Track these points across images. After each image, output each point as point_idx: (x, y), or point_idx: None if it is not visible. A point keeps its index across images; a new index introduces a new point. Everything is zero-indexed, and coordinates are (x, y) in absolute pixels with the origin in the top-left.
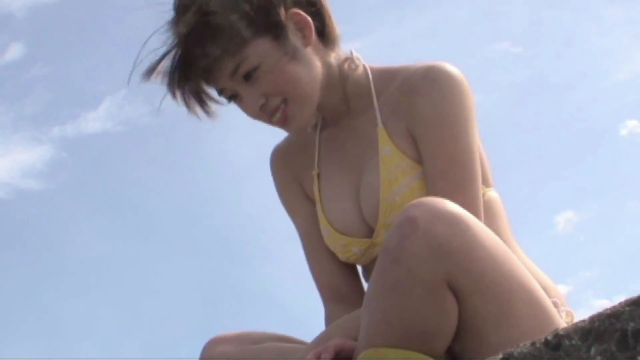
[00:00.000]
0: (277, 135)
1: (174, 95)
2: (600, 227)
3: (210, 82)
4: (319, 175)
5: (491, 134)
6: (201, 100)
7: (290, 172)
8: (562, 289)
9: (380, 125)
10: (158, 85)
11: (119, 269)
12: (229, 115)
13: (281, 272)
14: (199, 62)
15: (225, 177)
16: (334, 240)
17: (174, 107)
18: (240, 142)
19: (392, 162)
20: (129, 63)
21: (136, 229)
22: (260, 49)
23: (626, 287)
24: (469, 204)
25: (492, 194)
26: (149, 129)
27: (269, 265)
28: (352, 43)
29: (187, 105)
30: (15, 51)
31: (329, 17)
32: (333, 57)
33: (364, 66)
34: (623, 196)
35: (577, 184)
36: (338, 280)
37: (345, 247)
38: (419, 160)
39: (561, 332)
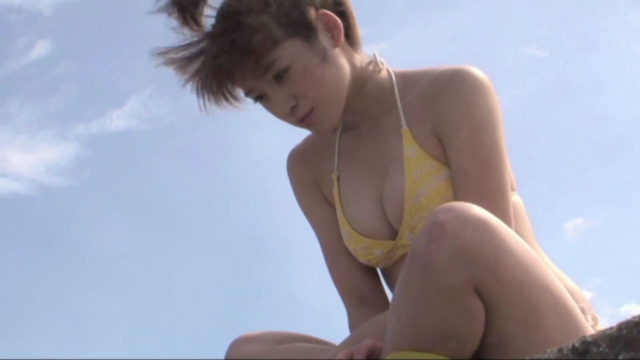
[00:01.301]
0: (303, 131)
1: (201, 95)
2: (610, 234)
3: (239, 82)
4: (339, 178)
5: (508, 138)
6: (225, 99)
7: (309, 174)
8: (587, 294)
9: (404, 127)
10: (185, 85)
11: (142, 266)
12: (254, 112)
13: (305, 271)
14: (229, 62)
15: (249, 174)
16: (355, 243)
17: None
18: (265, 138)
19: (417, 164)
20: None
21: (159, 226)
22: (291, 50)
23: (637, 294)
24: (500, 210)
25: (516, 198)
26: (173, 128)
27: (293, 264)
28: (378, 45)
29: (213, 102)
30: (42, 48)
31: (353, 18)
32: (358, 60)
33: (387, 70)
34: (633, 203)
35: (588, 192)
36: (360, 283)
37: (367, 249)
38: (445, 161)
39: (589, 339)
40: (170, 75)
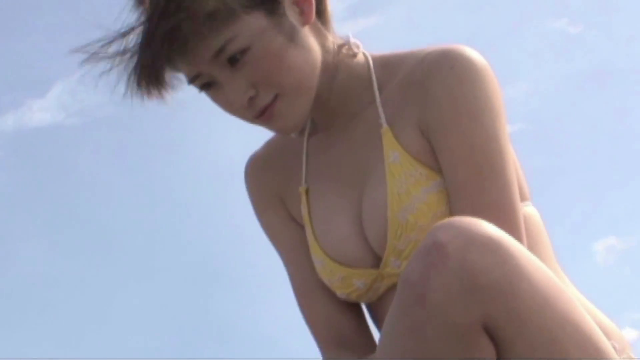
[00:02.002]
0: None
1: (134, 79)
2: None
3: (182, 65)
4: (307, 192)
5: (528, 135)
6: (160, 86)
7: (271, 187)
8: (629, 333)
9: (384, 126)
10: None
11: (70, 295)
12: (213, 107)
13: (274, 301)
14: (173, 39)
15: (206, 182)
16: (330, 273)
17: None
18: (226, 137)
19: (401, 172)
20: (88, 38)
21: (91, 246)
22: (251, 27)
23: None
24: (507, 224)
25: (530, 209)
26: (111, 122)
27: (259, 293)
28: (368, 19)
29: (145, 91)
30: None
31: None
32: (330, 41)
33: (364, 54)
34: None
35: (623, 203)
36: (338, 321)
37: (345, 280)
38: (435, 167)
39: None
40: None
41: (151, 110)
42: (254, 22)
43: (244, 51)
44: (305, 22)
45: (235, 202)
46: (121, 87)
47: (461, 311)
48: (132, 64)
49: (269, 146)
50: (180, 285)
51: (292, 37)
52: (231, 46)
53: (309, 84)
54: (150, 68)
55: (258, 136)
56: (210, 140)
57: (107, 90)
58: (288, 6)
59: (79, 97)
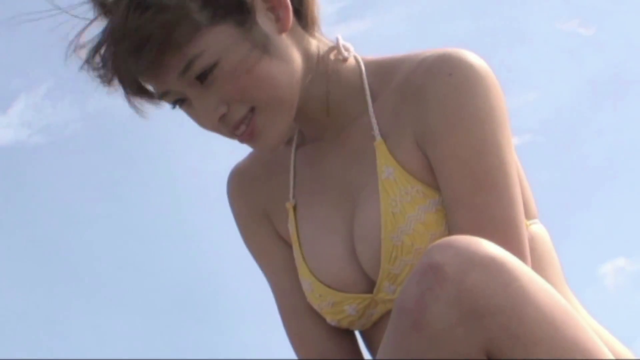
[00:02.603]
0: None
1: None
2: None
3: (149, 81)
4: (295, 208)
5: (537, 147)
6: (135, 97)
7: (256, 202)
8: None
9: (378, 139)
10: (89, 80)
11: (38, 329)
12: (189, 120)
13: (263, 333)
14: (133, 58)
15: (187, 205)
16: (319, 298)
17: (114, 110)
18: (209, 155)
19: (396, 189)
20: (52, 52)
21: (60, 276)
22: (218, 41)
23: None
24: (510, 243)
25: (537, 228)
26: (79, 140)
27: (245, 324)
28: (362, 21)
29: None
30: None
31: None
32: (314, 46)
33: (355, 58)
34: None
35: (634, 222)
36: (328, 348)
37: (336, 306)
38: (433, 184)
39: None
40: (74, 66)
41: (122, 128)
42: (221, 36)
43: (212, 67)
44: (281, 29)
45: (218, 224)
46: (93, 101)
47: (461, 338)
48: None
49: (253, 158)
50: (156, 318)
51: (266, 47)
52: (197, 63)
53: (287, 97)
54: (125, 83)
55: (241, 149)
56: (188, 157)
57: (75, 106)
58: (261, 14)
59: (45, 113)
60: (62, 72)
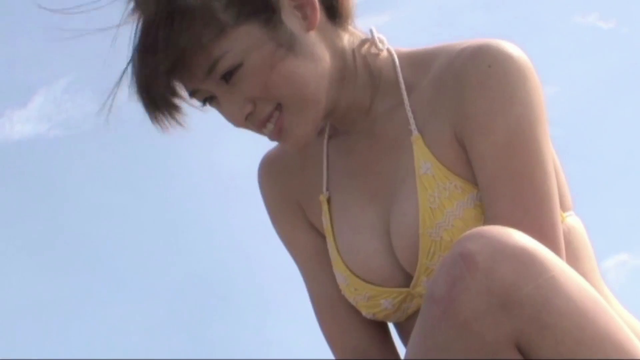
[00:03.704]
0: None
1: (142, 99)
2: None
3: (180, 81)
4: (329, 201)
5: (556, 142)
6: (169, 104)
7: (288, 191)
8: None
9: (415, 133)
10: (109, 73)
11: (60, 316)
12: (210, 114)
13: (288, 325)
14: (162, 58)
15: (209, 198)
16: (355, 291)
17: (134, 102)
18: (232, 149)
19: (434, 184)
20: (72, 47)
21: (81, 266)
22: (243, 41)
23: None
24: (545, 236)
25: (572, 220)
26: (99, 134)
27: (272, 316)
28: (379, 17)
29: (153, 111)
30: None
31: None
32: (347, 41)
33: (388, 51)
34: None
35: (637, 215)
36: (361, 339)
37: (372, 300)
38: (471, 178)
39: None
40: (92, 59)
41: (143, 122)
42: (245, 36)
43: (236, 67)
44: (309, 27)
45: (235, 216)
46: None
47: (491, 328)
48: (134, 85)
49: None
50: (178, 306)
51: (292, 46)
52: (222, 64)
53: (314, 95)
54: (155, 96)
55: (262, 144)
56: (208, 151)
57: (95, 100)
58: (287, 13)
59: (64, 107)
60: (82, 66)
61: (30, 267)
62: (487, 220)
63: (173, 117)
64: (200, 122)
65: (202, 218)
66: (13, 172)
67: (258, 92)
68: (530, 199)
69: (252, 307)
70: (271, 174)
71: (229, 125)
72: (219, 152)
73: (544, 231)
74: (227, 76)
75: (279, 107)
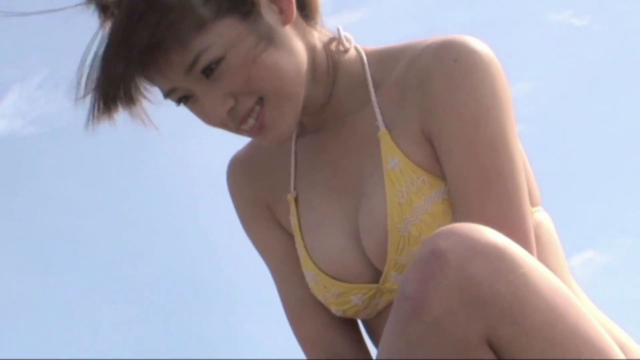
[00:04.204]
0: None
1: (103, 93)
2: (634, 272)
3: (155, 80)
4: (296, 200)
5: (529, 138)
6: (131, 101)
7: (256, 191)
8: None
9: (382, 129)
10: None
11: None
12: (184, 110)
13: (258, 321)
14: (141, 56)
15: (179, 193)
16: (324, 289)
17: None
18: (202, 144)
19: (401, 179)
20: (46, 43)
21: (57, 265)
22: (224, 35)
23: None
24: (516, 234)
25: (541, 215)
26: (74, 130)
27: (240, 312)
28: (354, 13)
29: (109, 105)
30: None
31: None
32: (316, 38)
33: (355, 49)
34: None
35: (604, 214)
36: (332, 338)
37: (341, 297)
38: (439, 173)
39: None
40: (68, 56)
41: (118, 119)
42: (226, 30)
43: (218, 61)
44: (285, 21)
45: (210, 210)
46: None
47: (463, 325)
48: (95, 76)
49: (253, 146)
50: (155, 302)
51: (271, 39)
52: (204, 58)
53: (294, 88)
54: (117, 83)
55: (235, 138)
56: (182, 145)
57: (70, 96)
58: (265, 7)
59: (38, 104)
60: (56, 63)
61: (2, 264)
62: (456, 214)
63: (129, 112)
64: (172, 117)
65: (172, 213)
66: None
67: (240, 86)
68: (499, 193)
69: (221, 302)
70: (239, 174)
71: (198, 122)
72: (189, 148)
73: (515, 226)
74: (208, 71)
75: (259, 101)
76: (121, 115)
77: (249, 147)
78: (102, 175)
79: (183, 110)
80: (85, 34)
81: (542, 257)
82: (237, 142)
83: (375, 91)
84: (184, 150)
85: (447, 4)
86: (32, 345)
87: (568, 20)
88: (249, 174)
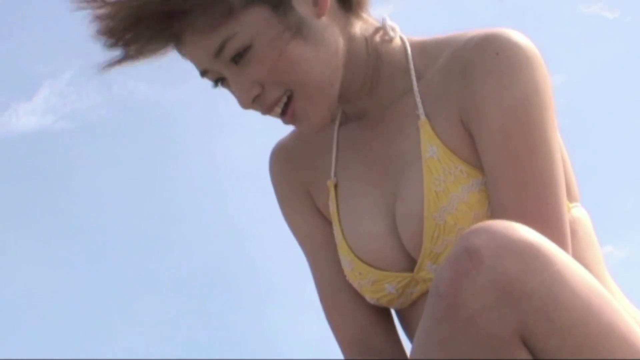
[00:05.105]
0: (281, 128)
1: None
2: None
3: (189, 58)
4: (336, 187)
5: (562, 127)
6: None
7: (297, 178)
8: None
9: (422, 118)
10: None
11: (70, 307)
12: (220, 106)
13: (292, 314)
14: (171, 40)
15: (213, 189)
16: (359, 275)
17: (139, 95)
18: (229, 140)
19: (439, 168)
20: (76, 39)
21: (89, 257)
22: (252, 23)
23: None
24: (551, 229)
25: (579, 211)
26: (104, 126)
27: (276, 305)
28: (384, 7)
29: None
30: None
31: None
32: (359, 28)
33: (401, 39)
34: None
35: (629, 208)
36: (364, 326)
37: (376, 284)
38: (477, 164)
39: None
40: (98, 53)
41: (146, 113)
42: (255, 18)
43: (245, 49)
44: (320, 13)
45: (237, 205)
46: (117, 87)
47: (497, 323)
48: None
49: (296, 135)
50: (184, 295)
51: (301, 31)
52: (230, 45)
53: (324, 81)
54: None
55: (261, 136)
56: (210, 141)
57: (100, 91)
58: None
59: (69, 100)
60: (87, 58)
61: (36, 260)
62: (493, 208)
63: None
64: (198, 115)
65: (201, 209)
66: (19, 165)
67: (266, 75)
68: (536, 186)
69: (252, 297)
70: (282, 161)
71: (224, 118)
72: (216, 144)
73: (550, 219)
74: (237, 58)
75: (288, 92)
76: (149, 108)
77: (292, 135)
78: (132, 169)
79: (211, 108)
80: None
81: (577, 252)
82: (264, 139)
83: (418, 81)
84: (212, 145)
85: None
86: (60, 339)
87: (599, 13)
88: (291, 161)
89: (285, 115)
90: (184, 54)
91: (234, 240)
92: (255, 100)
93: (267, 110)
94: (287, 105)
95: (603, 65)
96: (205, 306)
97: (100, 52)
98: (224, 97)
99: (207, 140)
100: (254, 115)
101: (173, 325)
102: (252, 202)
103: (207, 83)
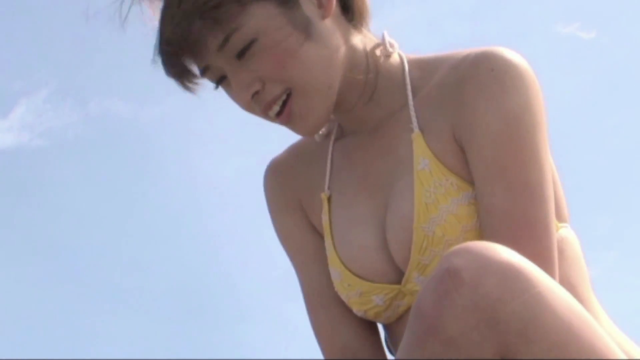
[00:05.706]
0: (258, 149)
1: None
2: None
3: (192, 57)
4: (330, 200)
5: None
6: (185, 77)
7: (291, 193)
8: None
9: (415, 131)
10: (90, 83)
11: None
12: (197, 124)
13: (270, 334)
14: (177, 32)
15: (190, 207)
16: (348, 287)
17: (115, 113)
18: (213, 158)
19: (430, 180)
20: (52, 56)
21: (64, 277)
22: (259, 18)
23: None
24: (538, 249)
25: (567, 232)
26: (81, 143)
27: (254, 325)
28: (370, 23)
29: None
30: None
31: None
32: (360, 40)
33: (399, 55)
34: None
35: (608, 226)
36: (352, 342)
37: (364, 296)
38: (467, 177)
39: None
40: (75, 69)
41: (122, 131)
42: (262, 13)
43: (250, 43)
44: (324, 15)
45: (215, 223)
46: (93, 104)
47: (477, 344)
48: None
49: (291, 151)
50: (162, 314)
51: (306, 30)
52: (235, 37)
53: (325, 81)
54: (171, 62)
55: (238, 154)
56: (186, 160)
57: (76, 109)
58: None
59: (45, 117)
60: (63, 76)
61: (8, 276)
62: (482, 224)
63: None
64: (177, 132)
65: (179, 225)
66: None
67: (269, 72)
68: (526, 204)
69: (228, 314)
70: (276, 176)
71: (203, 136)
72: (196, 160)
73: (538, 237)
74: (240, 53)
75: (287, 91)
76: (125, 126)
77: (287, 151)
78: (108, 187)
79: (188, 126)
80: (92, 48)
81: (564, 271)
82: (241, 157)
83: (414, 96)
84: (189, 164)
85: (455, 18)
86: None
87: (575, 34)
88: (285, 176)
89: (282, 114)
90: (187, 50)
91: (211, 258)
92: (254, 98)
93: (265, 107)
94: (284, 104)
95: (580, 85)
96: (182, 326)
97: (76, 71)
98: (201, 115)
99: (183, 158)
100: (231, 133)
101: (148, 345)
102: (230, 219)
103: (184, 101)
